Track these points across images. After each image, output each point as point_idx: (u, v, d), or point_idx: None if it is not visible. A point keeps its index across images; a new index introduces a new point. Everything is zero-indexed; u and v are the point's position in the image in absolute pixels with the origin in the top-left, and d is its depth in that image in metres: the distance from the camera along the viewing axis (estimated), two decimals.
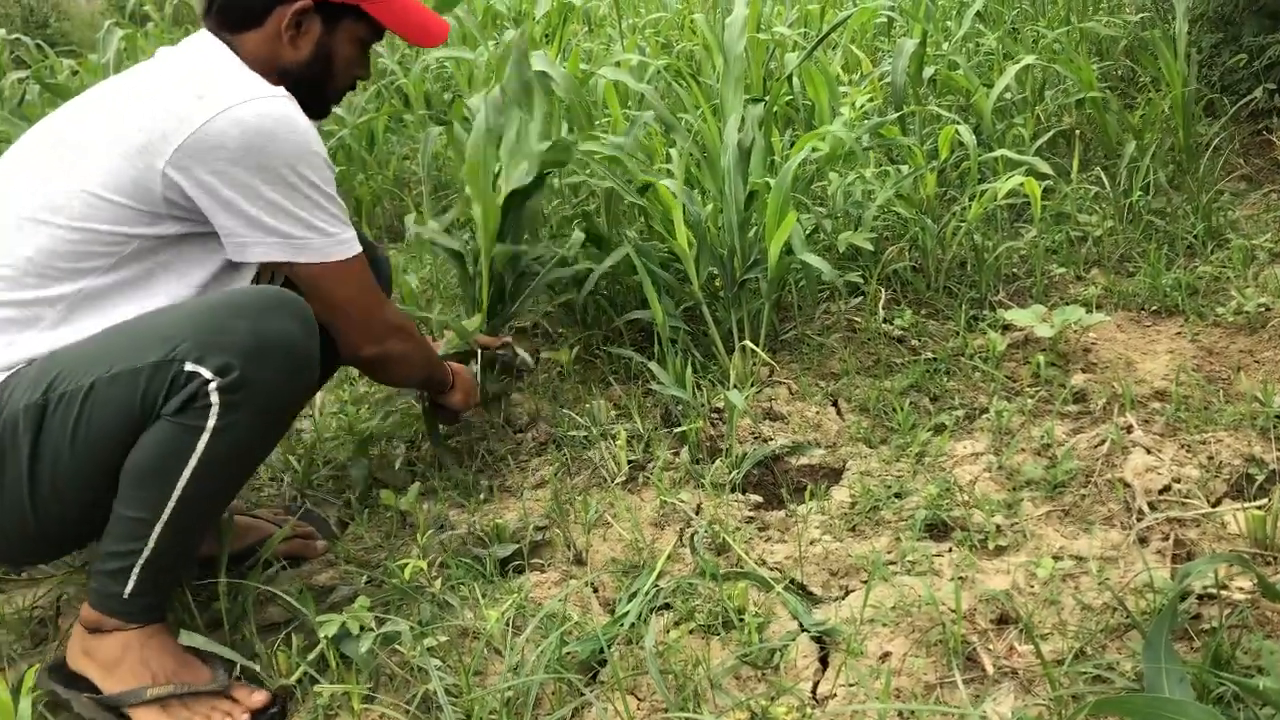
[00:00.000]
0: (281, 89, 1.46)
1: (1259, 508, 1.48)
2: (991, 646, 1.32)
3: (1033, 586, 1.42)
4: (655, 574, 1.52)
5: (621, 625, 1.42)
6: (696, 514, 1.69)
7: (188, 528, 1.33)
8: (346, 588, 1.61)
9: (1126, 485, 1.63)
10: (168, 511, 1.30)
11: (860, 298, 2.37)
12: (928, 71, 3.12)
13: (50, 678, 1.40)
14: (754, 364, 2.14)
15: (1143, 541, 1.50)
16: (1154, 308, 2.24)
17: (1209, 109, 3.19)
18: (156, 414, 1.28)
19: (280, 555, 1.68)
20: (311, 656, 1.38)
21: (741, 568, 1.54)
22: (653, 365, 2.06)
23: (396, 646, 1.39)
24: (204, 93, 1.39)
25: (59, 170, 1.39)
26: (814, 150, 2.32)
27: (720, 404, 2.02)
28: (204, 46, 1.51)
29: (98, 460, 1.29)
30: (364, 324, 1.59)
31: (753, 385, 2.08)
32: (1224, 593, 1.33)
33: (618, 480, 1.82)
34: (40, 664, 1.41)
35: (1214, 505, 1.56)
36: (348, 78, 1.67)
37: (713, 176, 2.27)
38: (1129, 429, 1.78)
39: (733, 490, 1.76)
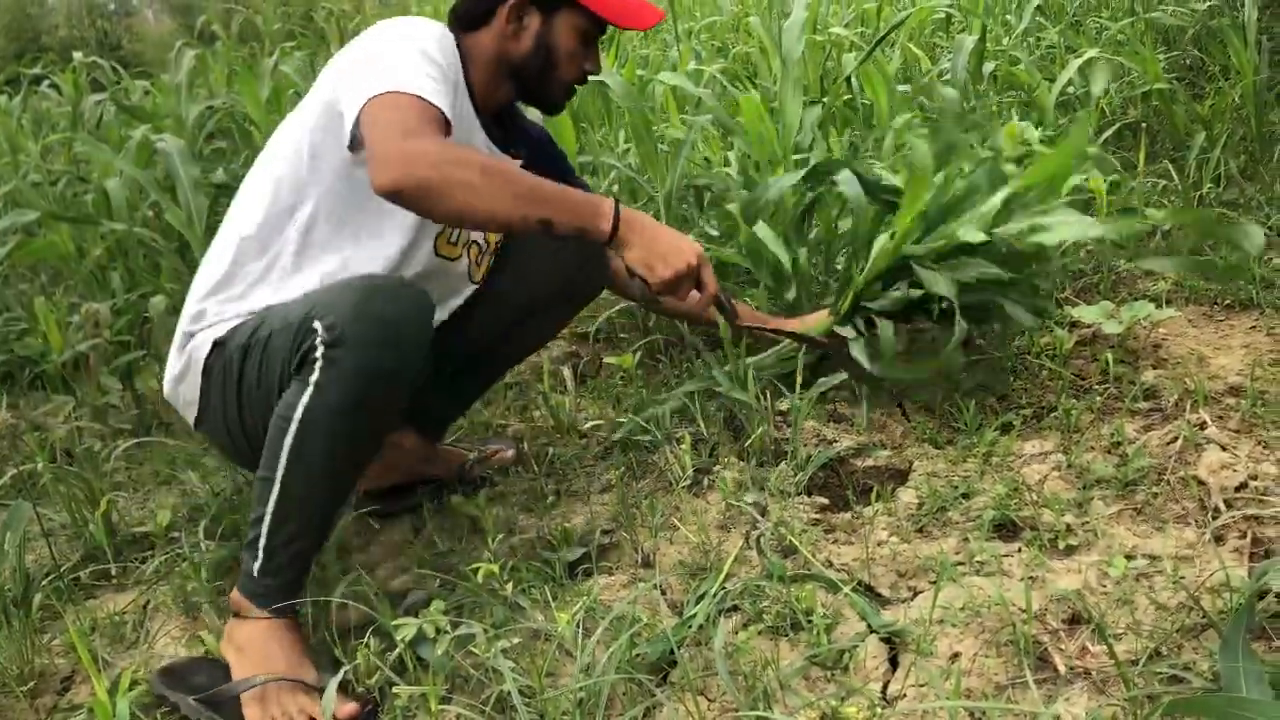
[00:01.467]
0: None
1: None
2: (1063, 646, 1.31)
3: (1105, 586, 1.41)
4: (722, 576, 1.54)
5: (690, 627, 1.43)
6: (762, 516, 1.70)
7: (299, 500, 1.43)
8: (421, 592, 1.65)
9: (1201, 483, 1.60)
10: (280, 469, 1.41)
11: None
12: (988, 67, 3.09)
13: (160, 681, 1.47)
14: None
15: (1218, 540, 1.48)
16: (1227, 302, 2.20)
17: None
18: (291, 372, 1.43)
19: (478, 474, 1.99)
20: (390, 659, 1.41)
21: (809, 570, 1.54)
22: (716, 373, 2.07)
23: (471, 649, 1.42)
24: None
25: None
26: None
27: (784, 407, 2.03)
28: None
29: (276, 397, 1.45)
30: (377, 150, 1.39)
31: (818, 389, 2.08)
32: None
33: (683, 484, 1.84)
34: (133, 666, 1.47)
35: None
36: (572, 70, 1.74)
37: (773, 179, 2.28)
38: (1203, 425, 1.75)
39: (798, 493, 1.77)
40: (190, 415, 1.64)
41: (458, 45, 1.66)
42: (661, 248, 1.53)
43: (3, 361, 2.84)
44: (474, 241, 1.81)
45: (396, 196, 1.38)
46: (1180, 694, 1.16)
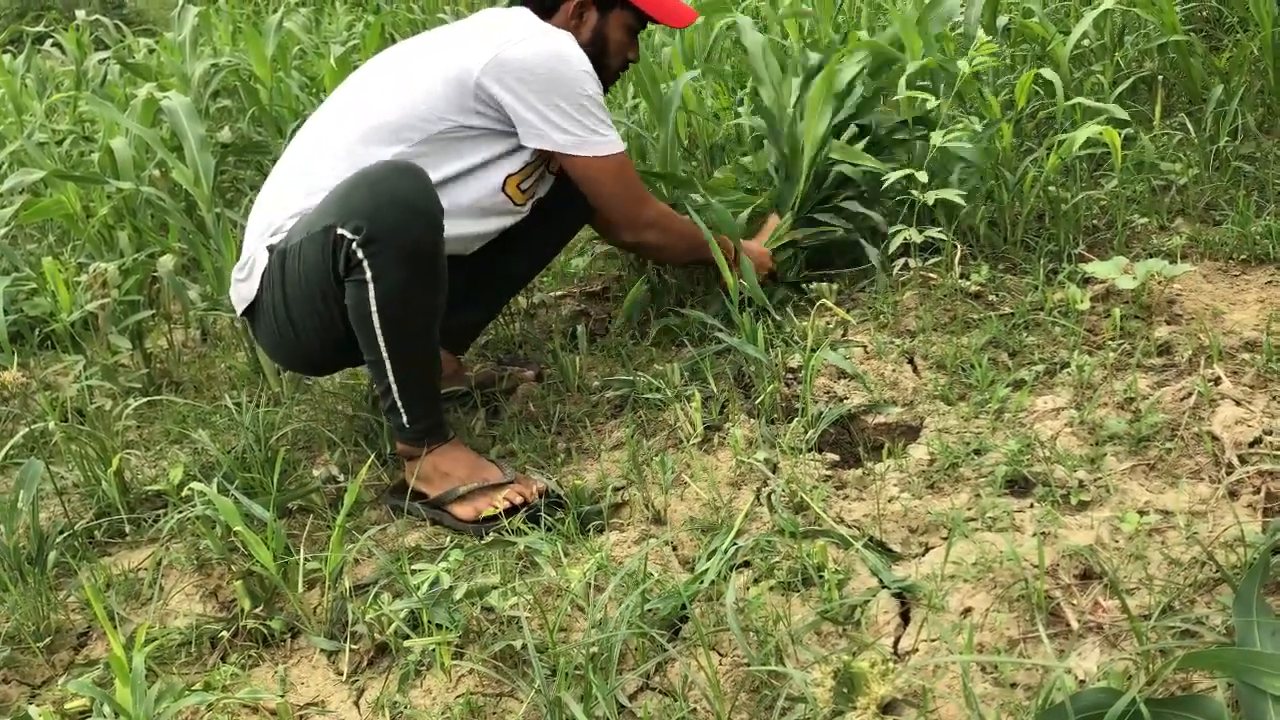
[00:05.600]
0: (566, 32, 1.92)
1: None
2: (1076, 602, 1.31)
3: (1118, 541, 1.41)
4: (734, 532, 1.54)
5: (701, 583, 1.44)
6: (773, 473, 1.70)
7: (410, 359, 1.72)
8: (435, 549, 1.66)
9: (1215, 438, 1.59)
10: (384, 350, 1.69)
11: (937, 255, 2.33)
12: (1002, 20, 3.04)
13: (390, 497, 1.84)
14: (830, 322, 2.14)
15: (1233, 495, 1.47)
16: (1243, 257, 2.17)
17: None
18: (340, 280, 1.67)
19: (508, 387, 2.21)
20: (403, 613, 1.42)
21: (820, 526, 1.54)
22: (723, 334, 2.07)
23: (484, 603, 1.43)
24: (512, 28, 1.88)
25: (398, 77, 1.88)
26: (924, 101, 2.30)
27: (794, 364, 2.02)
28: (518, 9, 1.99)
29: (315, 297, 1.72)
30: (623, 215, 2.01)
31: (830, 345, 2.07)
32: None
33: (693, 441, 1.83)
34: (148, 622, 1.48)
35: None
36: (620, 59, 2.08)
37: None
38: (1217, 381, 1.73)
39: (809, 450, 1.77)
40: (241, 308, 1.90)
41: None
42: (757, 263, 2.19)
43: (12, 321, 2.84)
44: (539, 195, 2.04)
45: (632, 249, 2.20)
46: (1194, 648, 1.16)
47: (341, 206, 1.65)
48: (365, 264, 1.63)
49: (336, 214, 1.64)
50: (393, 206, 1.63)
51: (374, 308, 1.65)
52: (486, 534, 1.66)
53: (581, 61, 1.88)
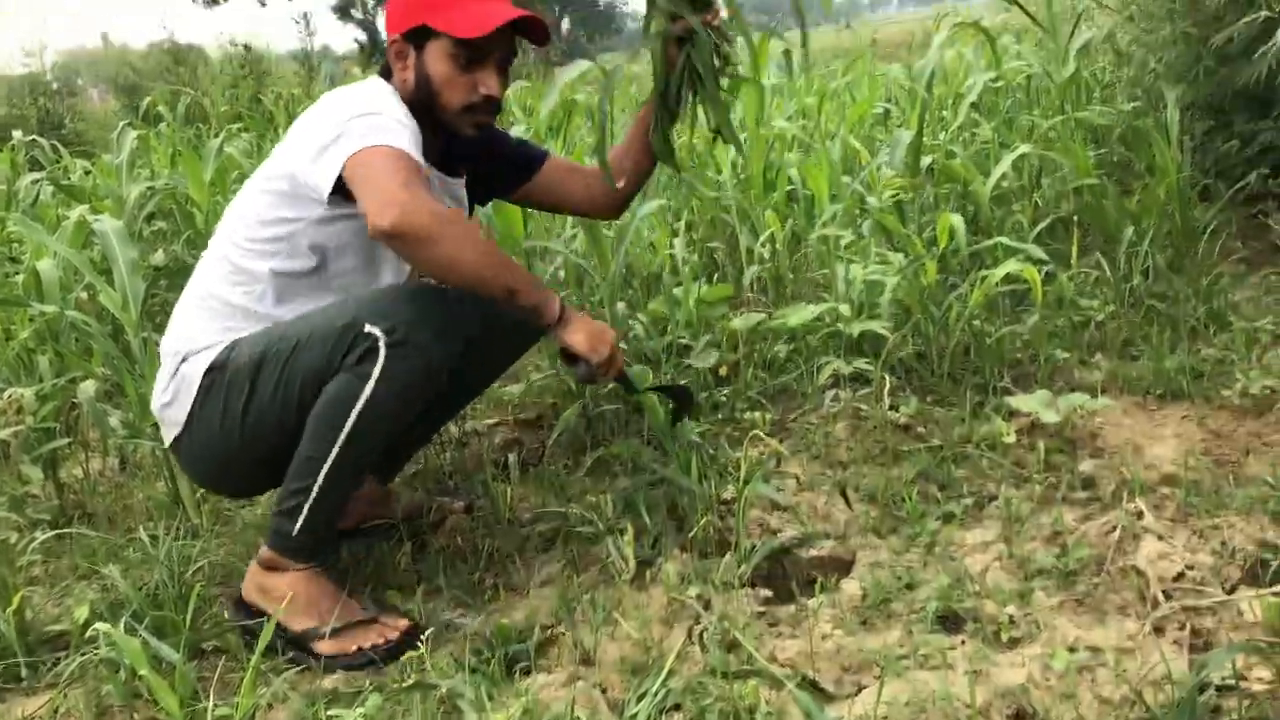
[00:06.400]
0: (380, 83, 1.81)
1: (1275, 594, 1.46)
2: None
3: (1049, 680, 1.40)
4: (664, 673, 1.50)
5: None
6: (706, 610, 1.67)
7: (347, 469, 1.67)
8: (353, 692, 1.59)
9: (1140, 573, 1.61)
10: (335, 449, 1.64)
11: (867, 387, 2.37)
12: (925, 160, 3.18)
13: (237, 613, 1.77)
14: (763, 453, 2.14)
15: (1158, 631, 1.48)
16: (1159, 392, 2.24)
17: (1205, 194, 3.23)
18: (339, 368, 1.63)
19: (436, 519, 2.13)
20: None
21: (752, 665, 1.51)
22: (656, 466, 2.06)
23: None
24: (327, 111, 1.74)
25: (263, 184, 1.78)
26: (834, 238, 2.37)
27: (728, 495, 2.01)
28: (369, 79, 1.86)
29: (293, 401, 1.67)
30: (379, 194, 1.55)
31: (762, 478, 2.06)
32: (1243, 683, 1.30)
33: (625, 577, 1.80)
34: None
35: (1229, 592, 1.54)
36: (457, 95, 1.78)
37: None
38: (1139, 515, 1.76)
39: (742, 585, 1.74)
40: (171, 434, 1.82)
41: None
42: (595, 330, 1.76)
43: None
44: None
45: (392, 238, 1.55)
46: None
47: (374, 309, 1.64)
48: (381, 362, 1.61)
49: (363, 315, 1.63)
50: (428, 324, 1.64)
51: (360, 404, 1.62)
52: (360, 668, 1.65)
53: (365, 102, 1.71)
